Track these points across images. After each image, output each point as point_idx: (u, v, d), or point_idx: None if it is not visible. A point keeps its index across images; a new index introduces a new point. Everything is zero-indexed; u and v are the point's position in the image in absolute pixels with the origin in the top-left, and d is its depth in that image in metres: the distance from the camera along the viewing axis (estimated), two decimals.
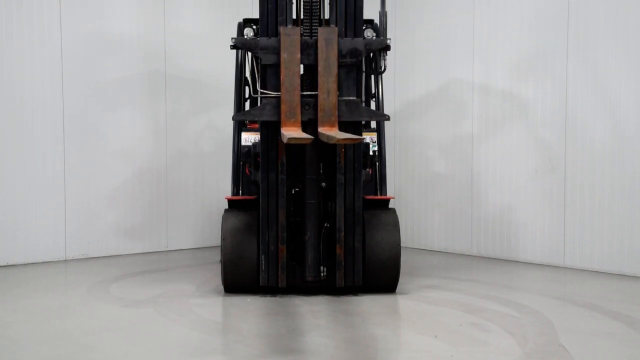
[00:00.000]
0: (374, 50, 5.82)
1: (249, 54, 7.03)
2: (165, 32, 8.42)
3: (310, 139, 4.41)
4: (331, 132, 5.11)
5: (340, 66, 5.52)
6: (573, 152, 7.13)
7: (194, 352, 4.22)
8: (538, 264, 7.44)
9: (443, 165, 8.50)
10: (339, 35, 5.54)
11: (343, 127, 5.53)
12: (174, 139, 8.52)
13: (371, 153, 6.29)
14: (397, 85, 8.96)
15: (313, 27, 5.73)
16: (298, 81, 5.41)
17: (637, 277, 6.63)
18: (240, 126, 6.45)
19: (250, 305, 5.43)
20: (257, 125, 6.35)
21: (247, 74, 6.89)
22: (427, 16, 8.67)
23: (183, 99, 8.60)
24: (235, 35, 6.60)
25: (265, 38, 5.53)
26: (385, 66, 5.97)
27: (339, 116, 5.46)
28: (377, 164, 6.37)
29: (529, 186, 7.56)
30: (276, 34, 5.58)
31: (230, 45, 5.94)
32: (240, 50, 6.53)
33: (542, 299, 5.72)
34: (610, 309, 5.35)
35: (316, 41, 5.50)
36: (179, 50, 8.52)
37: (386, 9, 6.11)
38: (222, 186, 8.66)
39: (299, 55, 5.44)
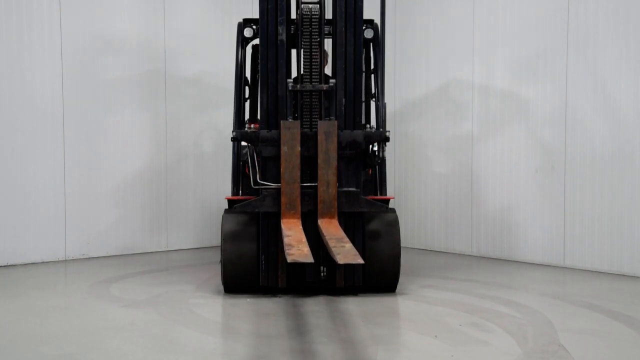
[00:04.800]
0: (374, 142, 5.85)
1: (249, 53, 7.06)
2: (165, 32, 8.42)
3: (312, 261, 4.39)
4: (331, 233, 5.05)
5: (339, 158, 5.55)
6: (573, 152, 7.13)
7: (194, 352, 4.22)
8: (538, 264, 7.44)
9: (443, 165, 8.50)
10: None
11: (343, 217, 5.56)
12: (174, 139, 8.53)
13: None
14: (397, 85, 8.96)
15: (313, 47, 5.70)
16: (298, 173, 5.44)
17: (637, 277, 6.63)
18: (240, 126, 6.45)
19: (250, 305, 5.43)
20: (257, 125, 6.35)
21: (247, 74, 6.89)
22: (427, 16, 8.67)
23: (183, 99, 8.60)
24: (235, 35, 6.60)
25: (265, 131, 5.55)
26: (384, 157, 6.02)
27: (338, 207, 5.49)
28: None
29: (529, 186, 7.56)
30: (276, 36, 5.58)
31: (231, 138, 5.98)
32: (240, 50, 6.53)
33: (542, 299, 5.72)
34: (610, 309, 5.35)
35: (316, 133, 5.53)
36: (179, 50, 8.52)
37: (385, 101, 6.15)
38: (222, 186, 8.67)
39: (299, 149, 5.47)
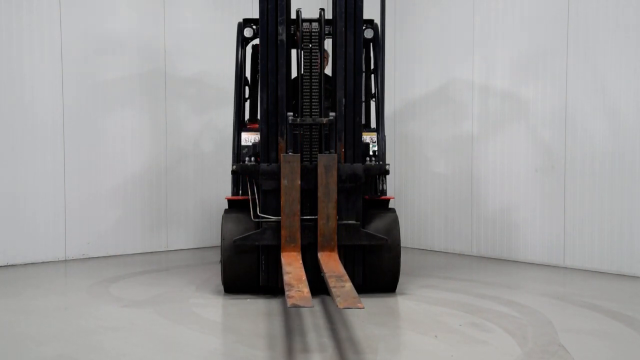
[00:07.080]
0: (374, 175, 5.86)
1: (249, 53, 7.05)
2: (165, 31, 8.41)
3: (311, 306, 4.37)
4: (331, 269, 5.04)
5: (339, 191, 5.56)
6: (573, 152, 7.13)
7: (194, 353, 4.22)
8: (538, 264, 7.44)
9: (443, 165, 8.50)
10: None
11: (342, 250, 5.58)
12: (174, 139, 8.52)
13: (371, 153, 6.30)
14: (397, 85, 8.96)
15: (313, 54, 5.70)
16: (298, 207, 5.46)
17: (637, 277, 6.63)
18: (240, 126, 6.45)
19: (250, 305, 5.44)
20: (257, 125, 6.34)
21: (247, 74, 6.89)
22: (427, 16, 8.66)
23: (183, 98, 8.60)
24: (235, 35, 6.60)
25: (265, 164, 5.57)
26: (384, 189, 6.07)
27: (338, 240, 5.51)
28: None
29: (529, 186, 7.56)
30: (276, 36, 5.58)
31: (232, 171, 5.97)
32: (240, 50, 6.53)
33: (542, 299, 5.72)
34: (610, 309, 5.35)
35: (316, 166, 5.54)
36: (179, 50, 8.52)
37: (385, 133, 6.15)
38: (222, 186, 8.66)
39: (299, 182, 5.49)
